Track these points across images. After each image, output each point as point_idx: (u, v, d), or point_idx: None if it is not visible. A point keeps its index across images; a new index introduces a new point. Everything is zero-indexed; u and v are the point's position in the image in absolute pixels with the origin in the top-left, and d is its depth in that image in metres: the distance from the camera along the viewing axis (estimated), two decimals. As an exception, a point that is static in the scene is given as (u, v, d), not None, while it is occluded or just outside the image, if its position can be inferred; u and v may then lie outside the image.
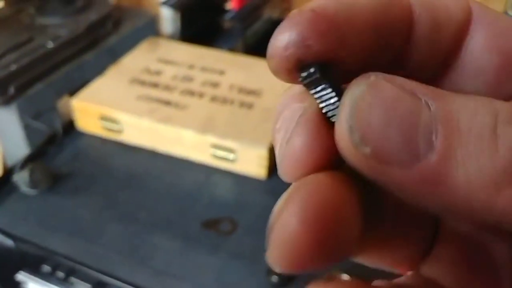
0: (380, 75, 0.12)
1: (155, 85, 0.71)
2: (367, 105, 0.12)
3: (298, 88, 0.14)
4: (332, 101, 0.13)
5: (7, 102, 0.67)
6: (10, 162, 0.69)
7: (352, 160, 0.12)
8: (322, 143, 0.13)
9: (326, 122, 0.13)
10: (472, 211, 0.12)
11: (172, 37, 0.89)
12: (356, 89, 0.12)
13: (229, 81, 0.72)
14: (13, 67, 0.68)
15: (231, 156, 0.62)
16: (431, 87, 0.12)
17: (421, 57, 0.14)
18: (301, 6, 0.13)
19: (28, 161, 0.62)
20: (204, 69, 0.75)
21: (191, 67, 0.75)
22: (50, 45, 0.74)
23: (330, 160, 0.13)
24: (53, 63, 0.74)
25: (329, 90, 0.13)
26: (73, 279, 0.53)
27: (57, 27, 0.77)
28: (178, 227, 0.57)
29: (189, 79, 0.73)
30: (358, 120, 0.12)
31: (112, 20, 0.84)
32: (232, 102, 0.68)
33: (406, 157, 0.12)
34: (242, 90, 0.70)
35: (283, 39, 0.13)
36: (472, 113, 0.12)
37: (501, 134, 0.11)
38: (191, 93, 0.70)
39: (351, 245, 0.13)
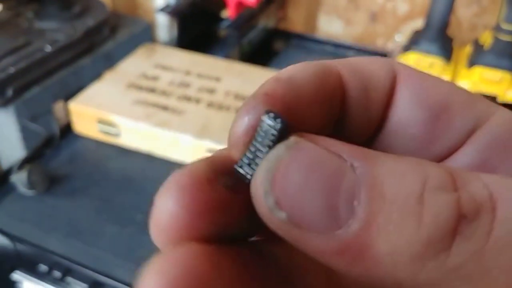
0: (306, 136, 0.12)
1: (152, 90, 0.72)
2: (284, 168, 0.11)
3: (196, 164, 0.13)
4: (260, 155, 0.12)
5: (5, 104, 0.68)
6: (6, 164, 0.69)
7: (269, 224, 0.12)
8: (190, 204, 0.12)
9: (205, 183, 0.12)
10: (396, 282, 0.11)
11: (168, 44, 0.90)
12: (275, 151, 0.12)
13: (225, 87, 0.73)
14: (11, 70, 0.69)
15: (226, 160, 0.63)
16: (361, 149, 0.12)
17: (356, 120, 0.15)
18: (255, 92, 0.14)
19: (25, 162, 0.63)
20: (200, 76, 0.76)
21: (187, 73, 0.77)
22: (48, 49, 0.74)
23: (199, 224, 0.12)
24: (50, 67, 0.75)
25: (268, 146, 0.12)
26: (69, 279, 0.53)
27: (54, 32, 0.78)
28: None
29: (185, 85, 0.74)
30: (273, 183, 0.11)
31: (109, 26, 0.85)
32: (228, 108, 0.69)
33: (325, 224, 0.11)
34: (237, 97, 0.71)
35: (242, 123, 0.13)
36: (400, 177, 0.11)
37: (427, 202, 0.11)
38: (187, 98, 0.71)
39: None
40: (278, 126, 0.12)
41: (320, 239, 0.11)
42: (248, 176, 0.12)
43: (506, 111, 0.14)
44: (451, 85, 0.15)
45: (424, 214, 0.11)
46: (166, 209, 0.12)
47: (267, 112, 0.12)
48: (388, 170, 0.11)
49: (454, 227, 0.11)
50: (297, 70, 0.14)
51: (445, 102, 0.14)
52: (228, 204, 0.13)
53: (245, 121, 0.13)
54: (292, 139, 0.12)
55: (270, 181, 0.11)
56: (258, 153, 0.12)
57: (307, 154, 0.12)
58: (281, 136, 0.12)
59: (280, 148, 0.12)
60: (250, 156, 0.13)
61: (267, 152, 0.12)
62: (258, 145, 0.12)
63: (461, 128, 0.14)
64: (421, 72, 0.15)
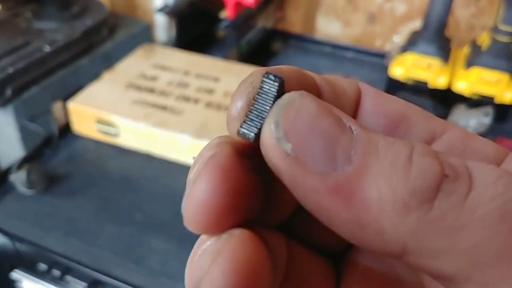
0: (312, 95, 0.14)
1: (150, 90, 0.72)
2: (295, 108, 0.13)
3: (217, 139, 0.14)
4: (266, 107, 0.14)
5: (4, 104, 0.68)
6: (5, 164, 0.69)
7: (272, 156, 0.13)
8: (229, 186, 0.13)
9: (238, 167, 0.13)
10: (380, 230, 0.12)
11: (166, 44, 0.91)
12: (288, 96, 0.13)
13: (224, 88, 0.74)
14: (10, 70, 0.69)
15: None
16: (357, 121, 0.13)
17: None
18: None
19: (24, 162, 0.63)
20: (199, 76, 0.76)
21: (186, 73, 0.77)
22: (47, 49, 0.74)
23: (239, 208, 0.13)
24: (49, 67, 0.75)
25: (272, 100, 0.14)
26: (68, 278, 0.53)
27: (53, 32, 0.78)
28: (173, 228, 0.58)
29: (184, 85, 0.74)
30: (284, 117, 0.13)
31: (108, 26, 0.85)
32: (226, 108, 0.69)
33: (323, 164, 0.12)
34: (236, 97, 0.72)
35: (244, 94, 0.14)
36: (391, 142, 0.13)
37: (415, 161, 0.12)
38: (186, 98, 0.71)
39: None
40: (279, 81, 0.14)
41: (316, 177, 0.12)
42: (252, 134, 0.14)
43: (460, 128, 0.16)
44: (408, 102, 0.17)
45: (412, 169, 0.12)
46: (207, 194, 0.13)
47: (266, 74, 0.14)
48: (380, 137, 0.13)
49: (438, 183, 0.12)
50: (283, 66, 0.15)
51: (403, 112, 0.16)
52: (256, 187, 0.14)
53: (247, 90, 0.14)
54: (301, 91, 0.13)
55: (282, 114, 0.13)
56: (261, 111, 0.14)
57: (315, 106, 0.13)
58: (282, 91, 0.14)
59: (292, 94, 0.13)
60: (252, 117, 0.14)
61: (271, 105, 0.13)
62: (259, 106, 0.14)
63: (419, 136, 0.16)
64: (381, 91, 0.17)
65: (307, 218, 0.16)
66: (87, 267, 0.52)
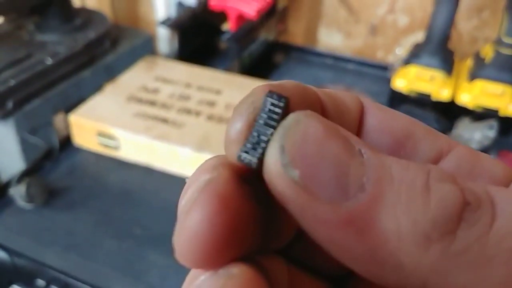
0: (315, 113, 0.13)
1: (152, 103, 0.72)
2: (301, 131, 0.12)
3: (212, 160, 0.13)
4: (269, 130, 0.13)
5: (5, 116, 0.68)
6: (5, 176, 0.69)
7: (277, 184, 0.12)
8: (227, 218, 0.12)
9: (237, 194, 0.12)
10: (399, 266, 0.11)
11: (168, 56, 0.91)
12: (293, 117, 0.12)
13: (225, 100, 0.73)
14: (12, 83, 0.69)
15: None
16: (366, 142, 0.13)
17: None
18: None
19: (24, 175, 0.63)
20: (200, 88, 0.76)
21: (188, 86, 0.77)
22: (49, 61, 0.74)
23: (238, 240, 0.12)
24: (51, 79, 0.75)
25: (275, 122, 0.13)
26: (67, 294, 0.53)
27: (55, 44, 0.78)
28: (172, 243, 0.57)
29: (186, 97, 0.74)
30: (289, 141, 0.12)
31: (110, 39, 0.86)
32: (228, 121, 0.69)
33: (335, 192, 0.11)
34: (238, 110, 0.71)
35: (242, 117, 0.13)
36: (405, 167, 0.12)
37: (433, 188, 0.11)
38: (187, 111, 0.71)
39: None
40: (284, 101, 0.13)
41: (327, 207, 0.11)
42: (254, 160, 0.12)
43: (465, 146, 0.16)
44: (412, 118, 0.16)
45: (431, 197, 0.11)
46: (202, 227, 0.11)
47: (270, 93, 0.13)
48: (392, 160, 0.12)
49: (460, 212, 0.11)
50: (285, 81, 0.15)
51: (408, 129, 0.15)
52: (256, 216, 0.13)
53: (248, 111, 0.13)
54: (306, 111, 0.12)
55: (287, 138, 0.12)
56: (263, 135, 0.12)
57: (322, 123, 0.12)
58: (287, 112, 0.12)
59: (297, 114, 0.12)
60: (253, 140, 0.12)
61: (275, 127, 0.12)
62: (262, 129, 0.12)
63: (425, 155, 0.15)
64: (383, 106, 0.16)
65: (308, 243, 0.15)
66: (85, 283, 0.52)
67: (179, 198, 0.13)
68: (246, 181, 0.13)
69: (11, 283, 0.55)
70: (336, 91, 0.16)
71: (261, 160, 0.12)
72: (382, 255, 0.11)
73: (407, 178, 0.11)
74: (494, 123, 0.71)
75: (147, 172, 0.67)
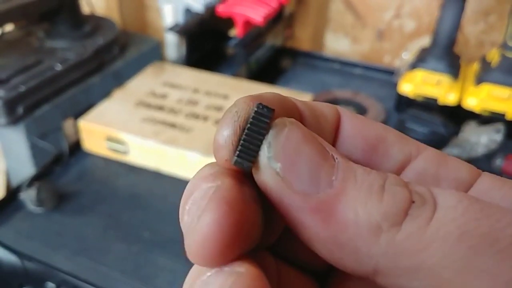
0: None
1: (160, 108, 0.73)
2: (285, 133, 0.14)
3: (208, 169, 0.15)
4: (259, 137, 0.15)
5: (15, 122, 0.69)
6: (15, 181, 0.70)
7: (262, 174, 0.14)
8: (234, 220, 0.13)
9: (241, 200, 0.14)
10: (355, 250, 0.14)
11: (176, 62, 0.91)
12: (281, 120, 0.15)
13: (233, 105, 0.74)
14: (22, 88, 0.70)
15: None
16: (338, 151, 0.15)
17: None
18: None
19: (34, 180, 0.63)
20: (208, 93, 0.77)
21: (195, 91, 0.77)
22: (58, 67, 0.75)
23: (243, 240, 0.14)
24: (61, 85, 0.76)
25: (264, 130, 0.15)
26: (77, 297, 0.53)
27: (65, 51, 0.79)
28: (181, 247, 0.57)
29: (193, 102, 0.74)
30: (275, 140, 0.14)
31: (119, 45, 0.87)
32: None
33: (308, 186, 0.14)
34: (245, 114, 0.72)
35: (230, 125, 0.15)
36: (367, 172, 0.14)
37: (387, 189, 0.14)
38: (195, 116, 0.71)
39: None
40: (271, 111, 0.15)
41: (300, 196, 0.14)
42: (247, 164, 0.15)
43: (433, 150, 0.18)
44: (385, 125, 0.18)
45: (384, 195, 0.14)
46: (213, 229, 0.13)
47: (259, 105, 0.15)
48: (358, 167, 0.15)
49: (406, 209, 0.13)
50: (265, 92, 0.16)
51: (380, 135, 0.17)
52: (256, 216, 0.15)
53: (233, 120, 0.15)
54: (290, 119, 0.15)
55: (273, 139, 0.14)
56: (254, 140, 0.15)
57: (302, 130, 0.15)
58: (272, 120, 0.15)
59: (283, 120, 0.15)
60: (246, 146, 0.15)
61: (264, 135, 0.15)
62: (252, 136, 0.15)
63: (396, 158, 0.17)
64: (359, 115, 0.18)
65: (293, 240, 0.16)
66: (94, 286, 0.52)
67: (181, 202, 0.15)
68: (244, 184, 0.15)
69: (21, 286, 0.56)
70: (314, 102, 0.18)
71: (253, 163, 0.15)
72: (342, 239, 0.14)
73: (368, 180, 0.14)
74: (501, 126, 0.71)
75: (156, 176, 0.68)
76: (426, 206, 0.13)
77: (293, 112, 0.17)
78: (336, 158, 0.14)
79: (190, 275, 0.14)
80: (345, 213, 0.14)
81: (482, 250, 0.12)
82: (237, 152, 0.15)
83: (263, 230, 0.15)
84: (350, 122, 0.18)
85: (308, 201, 0.14)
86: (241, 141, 0.15)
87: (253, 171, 0.15)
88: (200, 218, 0.13)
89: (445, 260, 0.13)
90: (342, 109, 0.18)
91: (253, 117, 0.15)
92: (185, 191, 0.15)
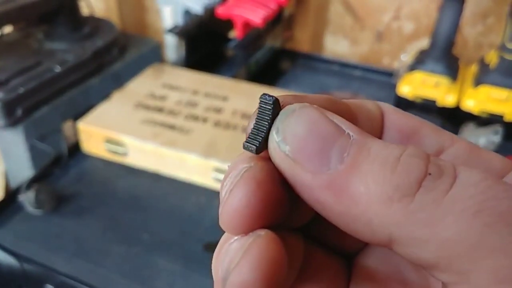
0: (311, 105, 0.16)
1: (159, 110, 0.73)
2: (294, 116, 0.15)
3: (247, 154, 0.16)
4: (264, 123, 0.16)
5: (14, 124, 0.68)
6: (14, 183, 0.70)
7: (274, 158, 0.15)
8: (261, 197, 0.15)
9: (269, 180, 0.15)
10: (368, 222, 0.14)
11: (176, 64, 0.91)
12: (288, 107, 0.16)
13: (232, 106, 0.74)
14: (21, 90, 0.70)
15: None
16: (360, 129, 0.15)
17: None
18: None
19: (33, 182, 0.63)
20: (207, 95, 0.77)
21: (195, 92, 0.77)
22: (57, 69, 0.75)
23: (267, 215, 0.15)
24: (60, 87, 0.76)
25: (268, 116, 0.16)
26: (76, 299, 0.53)
27: (64, 52, 0.79)
28: (180, 249, 0.57)
29: (193, 104, 0.75)
30: (283, 124, 0.15)
31: (118, 47, 0.87)
32: (234, 127, 0.70)
33: (318, 165, 0.14)
34: (244, 116, 0.72)
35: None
36: (384, 146, 0.14)
37: (402, 161, 0.14)
38: (195, 118, 0.71)
39: None
40: (273, 99, 0.16)
41: (311, 176, 0.14)
42: (253, 147, 0.16)
43: (468, 141, 0.18)
44: (422, 119, 0.19)
45: (398, 167, 0.14)
46: (242, 203, 0.15)
47: (262, 95, 0.16)
48: (377, 141, 0.15)
49: (420, 180, 0.14)
50: (317, 95, 0.17)
51: (415, 127, 0.18)
52: (282, 197, 0.16)
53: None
54: (301, 103, 0.16)
55: (282, 122, 0.15)
56: (260, 126, 0.16)
57: (317, 110, 0.15)
58: (278, 108, 0.16)
59: (292, 105, 0.15)
60: (254, 132, 0.16)
61: (268, 120, 0.16)
62: (258, 120, 0.16)
63: (430, 148, 0.18)
64: (396, 108, 0.19)
65: (323, 224, 0.17)
66: (94, 288, 0.52)
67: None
68: (275, 169, 0.16)
69: (20, 288, 0.56)
70: (361, 101, 0.18)
71: (260, 147, 0.16)
72: (355, 212, 0.14)
73: (383, 154, 0.14)
74: (499, 128, 0.72)
75: (155, 178, 0.68)
76: (443, 179, 0.13)
77: (346, 113, 0.17)
78: (352, 135, 0.15)
79: (221, 240, 0.16)
80: (356, 187, 0.14)
81: (498, 229, 0.12)
82: (247, 138, 0.16)
83: (293, 211, 0.17)
84: (390, 116, 0.18)
85: (320, 179, 0.14)
86: (251, 129, 0.16)
87: (270, 155, 0.16)
88: (231, 192, 0.15)
89: (459, 235, 0.13)
90: (382, 104, 0.19)
91: (259, 106, 0.16)
92: (227, 171, 0.16)
